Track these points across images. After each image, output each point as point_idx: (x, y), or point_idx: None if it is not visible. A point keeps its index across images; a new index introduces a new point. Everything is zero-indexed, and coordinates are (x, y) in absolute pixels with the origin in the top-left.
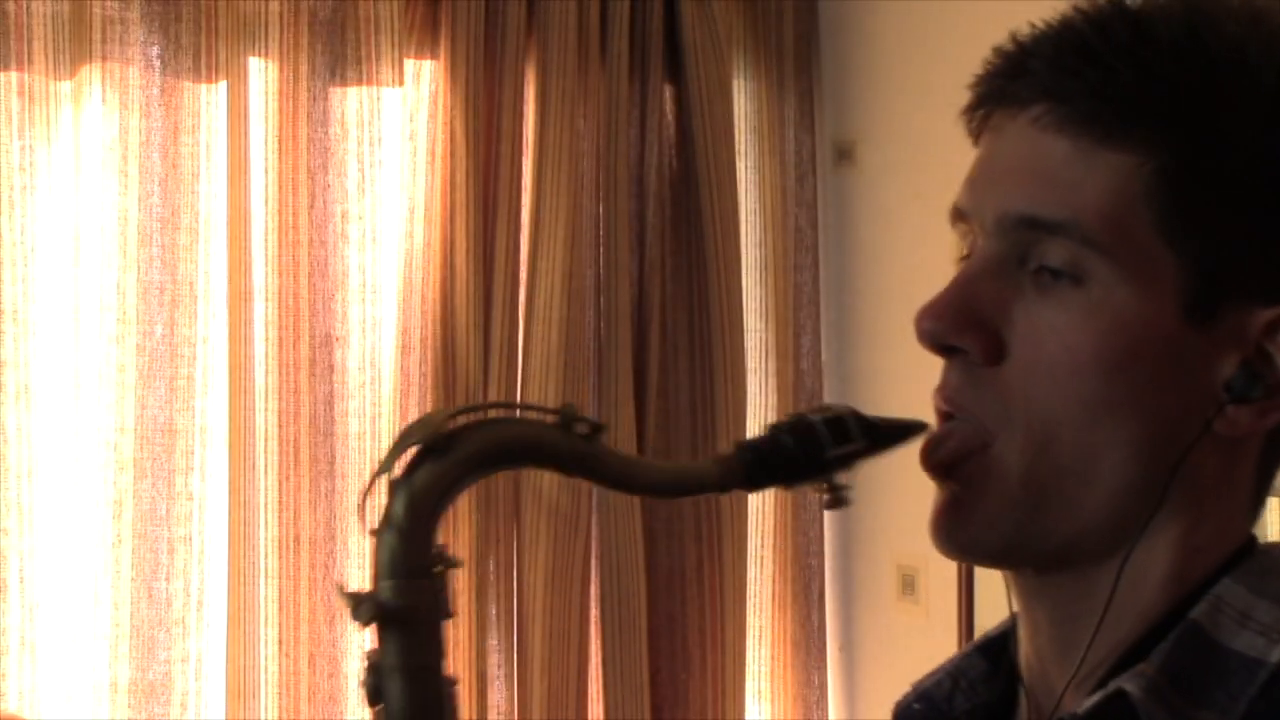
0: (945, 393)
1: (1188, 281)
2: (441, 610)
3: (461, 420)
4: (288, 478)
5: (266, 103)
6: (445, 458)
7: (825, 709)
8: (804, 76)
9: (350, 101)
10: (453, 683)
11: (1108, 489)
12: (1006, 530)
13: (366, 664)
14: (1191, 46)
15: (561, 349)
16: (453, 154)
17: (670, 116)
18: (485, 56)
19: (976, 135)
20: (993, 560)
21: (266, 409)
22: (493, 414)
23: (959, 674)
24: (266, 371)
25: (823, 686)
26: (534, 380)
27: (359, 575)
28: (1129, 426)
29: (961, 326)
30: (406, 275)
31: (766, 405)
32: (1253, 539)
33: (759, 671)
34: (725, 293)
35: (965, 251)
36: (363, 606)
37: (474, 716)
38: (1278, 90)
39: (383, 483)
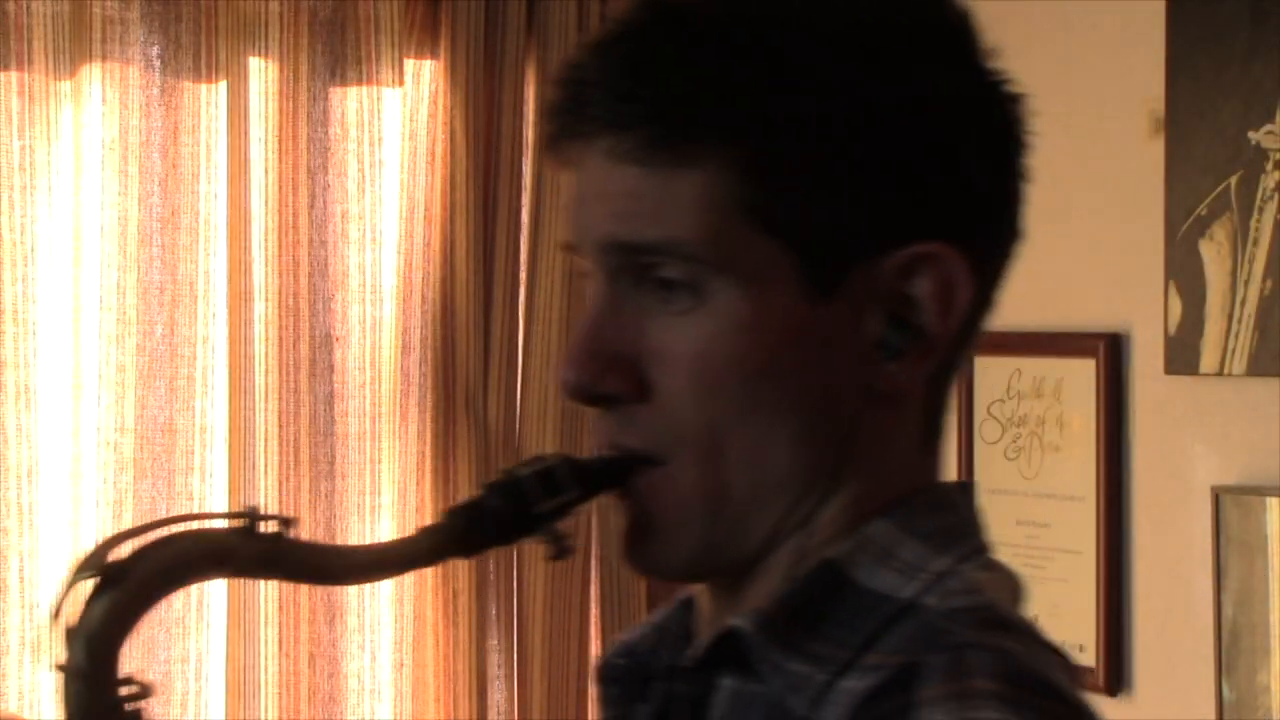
0: (607, 439)
1: (802, 264)
2: None
3: (142, 539)
4: (288, 478)
5: (266, 103)
6: (119, 589)
7: None
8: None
9: (350, 101)
10: None
11: (778, 483)
12: (691, 546)
13: None
14: (735, 30)
15: (561, 349)
16: (453, 154)
17: None
18: (485, 56)
19: (563, 170)
20: (684, 576)
21: (266, 409)
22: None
23: (664, 627)
24: (266, 371)
25: None
26: (534, 380)
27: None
28: (790, 420)
29: (603, 372)
30: (406, 275)
31: None
32: (932, 483)
33: None
34: None
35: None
36: None
37: (474, 716)
38: (829, 41)
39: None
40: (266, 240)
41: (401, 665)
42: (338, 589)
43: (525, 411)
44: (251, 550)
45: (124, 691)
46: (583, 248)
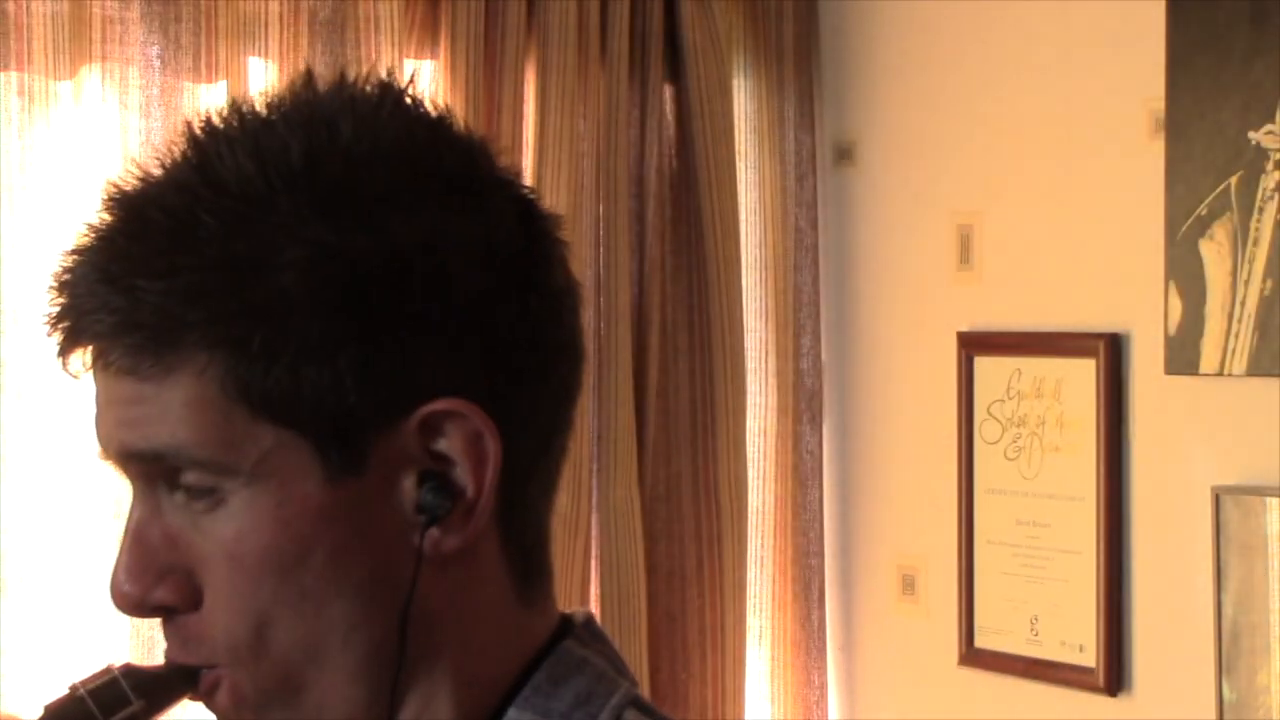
0: (169, 653)
1: (315, 446)
2: None
3: None
4: None
5: None
6: None
7: (825, 709)
8: (804, 76)
9: None
10: None
11: (350, 669)
12: None
13: None
14: (196, 219)
15: None
16: None
17: (670, 116)
18: (485, 56)
19: (79, 375)
20: None
21: None
22: None
23: None
24: None
25: (823, 686)
26: None
27: None
28: (339, 603)
29: (153, 583)
30: None
31: (766, 405)
32: (559, 628)
33: (759, 671)
34: (725, 293)
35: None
36: None
37: None
38: (295, 208)
39: None
40: None
41: None
42: None
43: None
44: None
45: None
46: (108, 456)
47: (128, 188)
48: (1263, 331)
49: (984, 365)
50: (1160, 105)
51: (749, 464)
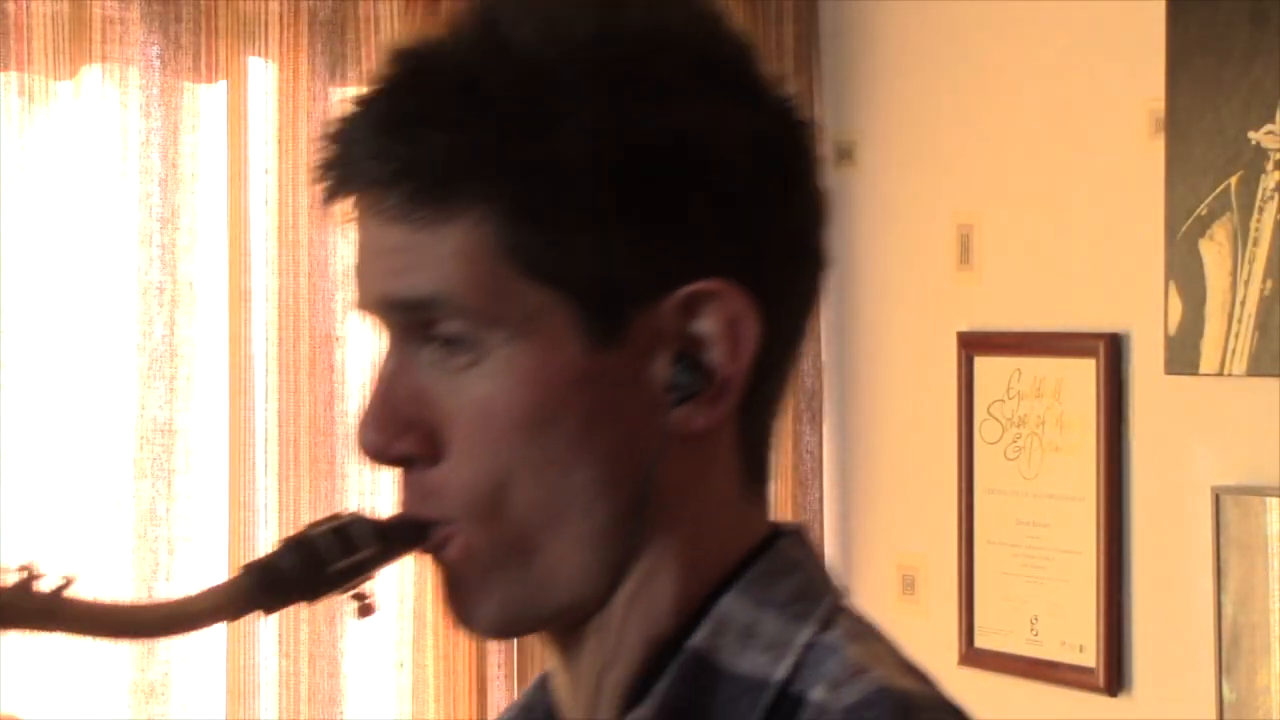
0: (404, 505)
1: (580, 311)
2: None
3: None
4: (288, 478)
5: (266, 103)
6: None
7: None
8: (804, 76)
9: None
10: None
11: (583, 536)
12: (498, 602)
13: None
14: (486, 77)
15: None
16: None
17: None
18: None
19: (345, 225)
20: (498, 631)
21: (266, 409)
22: None
23: (531, 707)
24: (266, 371)
25: None
26: None
27: None
28: (582, 470)
29: (398, 434)
30: None
31: None
32: (772, 532)
33: None
34: None
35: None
36: None
37: (474, 716)
38: (583, 80)
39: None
40: (266, 240)
41: (401, 665)
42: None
43: None
44: (31, 606)
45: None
46: (368, 307)
47: (412, 45)
48: (1263, 331)
49: (984, 365)
50: (1160, 105)
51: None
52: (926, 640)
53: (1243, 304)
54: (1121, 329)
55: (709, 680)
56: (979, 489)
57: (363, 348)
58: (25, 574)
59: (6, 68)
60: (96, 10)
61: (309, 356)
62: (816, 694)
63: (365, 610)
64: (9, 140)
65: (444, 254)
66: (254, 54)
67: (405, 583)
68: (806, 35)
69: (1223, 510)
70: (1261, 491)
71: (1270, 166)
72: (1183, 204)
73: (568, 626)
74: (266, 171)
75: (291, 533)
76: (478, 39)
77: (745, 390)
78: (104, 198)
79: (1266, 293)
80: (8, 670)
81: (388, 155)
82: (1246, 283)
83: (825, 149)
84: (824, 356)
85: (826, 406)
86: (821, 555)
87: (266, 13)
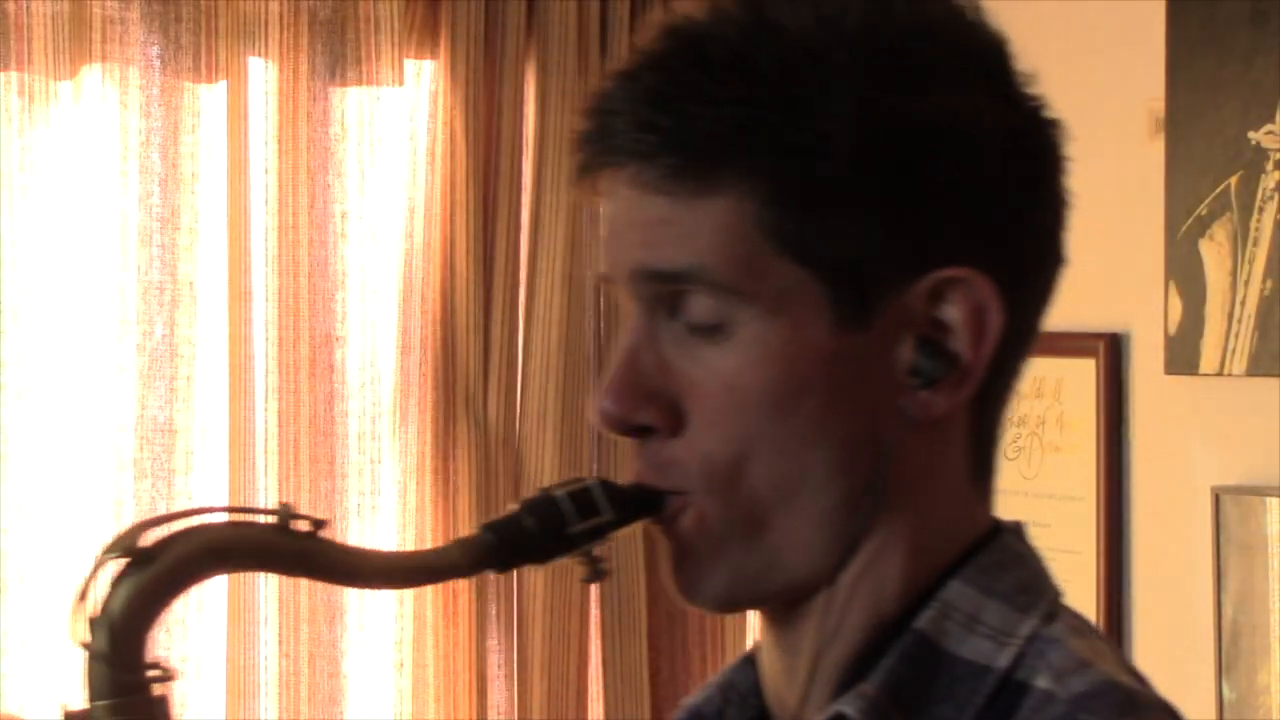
0: (641, 474)
1: (831, 291)
2: None
3: (173, 526)
4: (288, 478)
5: (266, 103)
6: (147, 572)
7: None
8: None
9: (350, 101)
10: None
11: (816, 514)
12: (727, 575)
13: None
14: (754, 57)
15: (561, 349)
16: (453, 154)
17: None
18: (485, 56)
19: (593, 200)
20: (723, 605)
21: (266, 409)
22: (229, 517)
23: (729, 687)
24: (266, 371)
25: None
26: (534, 380)
27: None
28: (821, 449)
29: (639, 405)
30: (406, 275)
31: None
32: (995, 525)
33: None
34: None
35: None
36: None
37: (474, 716)
38: (850, 66)
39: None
40: (266, 240)
41: (401, 665)
42: (339, 589)
43: (525, 411)
44: (285, 547)
45: (148, 674)
46: (616, 278)
47: (678, 22)
48: (1263, 331)
49: None
50: (1160, 105)
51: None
52: None
53: (1243, 304)
54: (1121, 329)
55: (933, 661)
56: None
57: (362, 348)
58: (282, 515)
59: (6, 68)
60: (96, 10)
61: (309, 356)
62: (1042, 682)
63: (597, 574)
64: (9, 140)
65: (703, 229)
66: (254, 54)
67: None
68: None
69: (1223, 510)
70: (1261, 491)
71: (1270, 166)
72: (1183, 204)
73: (789, 603)
74: (266, 171)
75: (528, 494)
76: (746, 20)
77: (983, 380)
78: (104, 198)
79: (1266, 293)
80: (8, 670)
81: (653, 127)
82: (1246, 283)
83: None
84: None
85: None
86: (1039, 553)
87: (266, 13)
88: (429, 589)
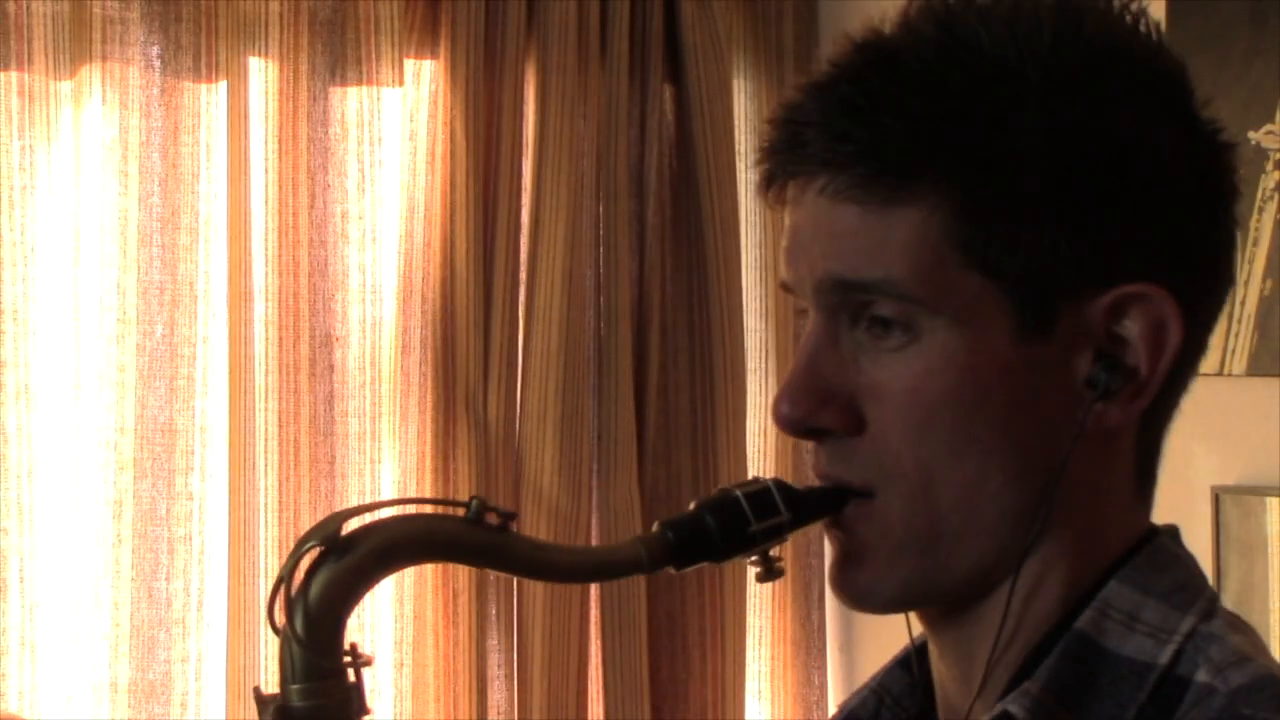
0: (820, 471)
1: (1014, 303)
2: (355, 710)
3: (367, 517)
4: (288, 478)
5: (266, 103)
6: (345, 560)
7: (825, 709)
8: (804, 76)
9: (350, 101)
10: None
11: (990, 519)
12: (900, 578)
13: None
14: (949, 73)
15: (561, 349)
16: (453, 154)
17: (670, 116)
18: (485, 56)
19: (779, 209)
20: (891, 607)
21: (266, 409)
22: (401, 509)
23: (883, 690)
24: (266, 371)
25: (823, 686)
26: (534, 380)
27: None
28: (998, 455)
29: (818, 407)
30: (406, 275)
31: (766, 405)
32: (1151, 530)
33: (759, 671)
34: (725, 293)
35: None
36: (267, 711)
37: (474, 716)
38: (1043, 84)
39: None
40: (266, 240)
41: (401, 665)
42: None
43: (525, 411)
44: (478, 540)
45: (343, 660)
46: (801, 287)
47: (871, 37)
48: (1263, 331)
49: None
50: None
51: (749, 464)
52: None
53: (1243, 304)
54: None
55: (1094, 660)
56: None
57: (362, 348)
58: (475, 509)
59: (6, 68)
60: (96, 10)
61: (309, 356)
62: (1202, 676)
63: (771, 574)
64: (9, 140)
65: (894, 240)
66: (254, 54)
67: (404, 583)
68: (806, 35)
69: (1223, 510)
70: (1261, 491)
71: (1270, 166)
72: None
73: (956, 606)
74: (266, 171)
75: (705, 494)
76: (940, 36)
77: (1156, 394)
78: (104, 198)
79: (1266, 293)
80: (9, 670)
81: (848, 137)
82: (1246, 283)
83: None
84: None
85: None
86: (1196, 559)
87: (266, 13)
88: (430, 589)
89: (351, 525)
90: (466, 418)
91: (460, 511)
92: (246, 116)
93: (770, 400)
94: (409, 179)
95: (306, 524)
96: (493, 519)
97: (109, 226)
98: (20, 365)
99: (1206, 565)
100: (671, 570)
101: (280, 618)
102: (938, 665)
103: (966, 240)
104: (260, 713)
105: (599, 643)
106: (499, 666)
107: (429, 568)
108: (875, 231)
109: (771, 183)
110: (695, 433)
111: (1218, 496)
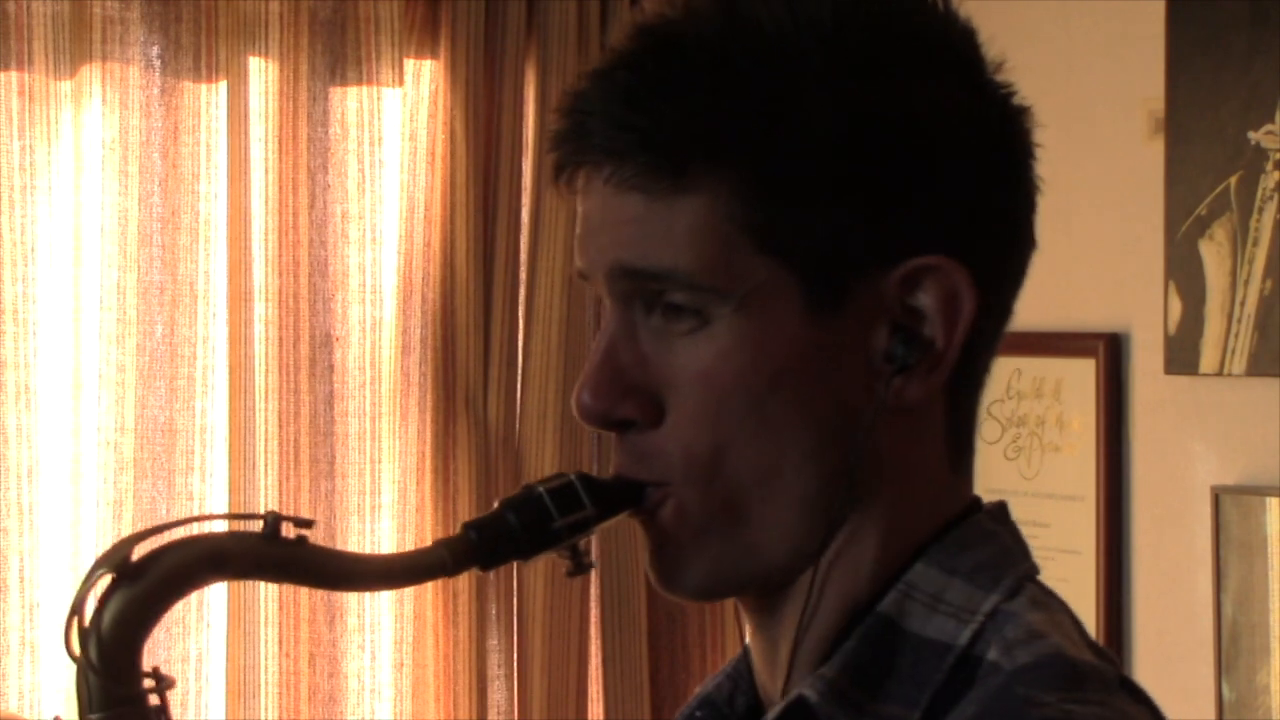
0: (621, 467)
1: (804, 282)
2: None
3: (163, 538)
4: (288, 478)
5: (266, 103)
6: (136, 586)
7: None
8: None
9: (350, 101)
10: None
11: (791, 500)
12: (706, 563)
13: None
14: (727, 53)
15: (561, 349)
16: (453, 154)
17: None
18: (485, 56)
19: (571, 197)
20: (703, 594)
21: (266, 409)
22: (194, 528)
23: (738, 675)
24: (266, 371)
25: None
26: (534, 380)
27: None
28: (797, 436)
29: (618, 398)
30: (406, 275)
31: None
32: (970, 507)
33: None
34: None
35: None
36: None
37: (474, 716)
38: (824, 61)
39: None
40: (266, 240)
41: (401, 665)
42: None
43: (525, 411)
44: (272, 555)
45: (145, 685)
46: (593, 274)
47: (652, 21)
48: (1263, 331)
49: None
50: (1160, 105)
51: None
52: None
53: (1242, 304)
54: (1121, 329)
55: (894, 643)
56: (979, 489)
57: (362, 348)
58: (270, 522)
59: (6, 68)
60: (96, 10)
61: (309, 356)
62: (992, 654)
63: (580, 568)
64: (9, 140)
65: (679, 227)
66: (254, 54)
67: None
68: None
69: (1223, 510)
70: (1261, 491)
71: (1270, 166)
72: (1183, 204)
73: (768, 591)
74: (266, 171)
75: (509, 493)
76: (719, 18)
77: (957, 365)
78: (104, 198)
79: (1266, 293)
80: (9, 670)
81: (629, 125)
82: (1246, 283)
83: None
84: None
85: None
86: (1017, 529)
87: (266, 13)
88: (430, 588)
89: (143, 550)
90: (466, 418)
91: (258, 526)
92: (246, 116)
93: None
94: (409, 179)
95: None
96: (290, 530)
97: (109, 226)
98: (20, 365)
99: (1206, 565)
100: (479, 570)
101: (76, 648)
102: (753, 649)
103: (752, 224)
104: None
105: (599, 643)
106: (499, 666)
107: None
108: (661, 220)
109: (561, 172)
110: None
111: (1218, 496)
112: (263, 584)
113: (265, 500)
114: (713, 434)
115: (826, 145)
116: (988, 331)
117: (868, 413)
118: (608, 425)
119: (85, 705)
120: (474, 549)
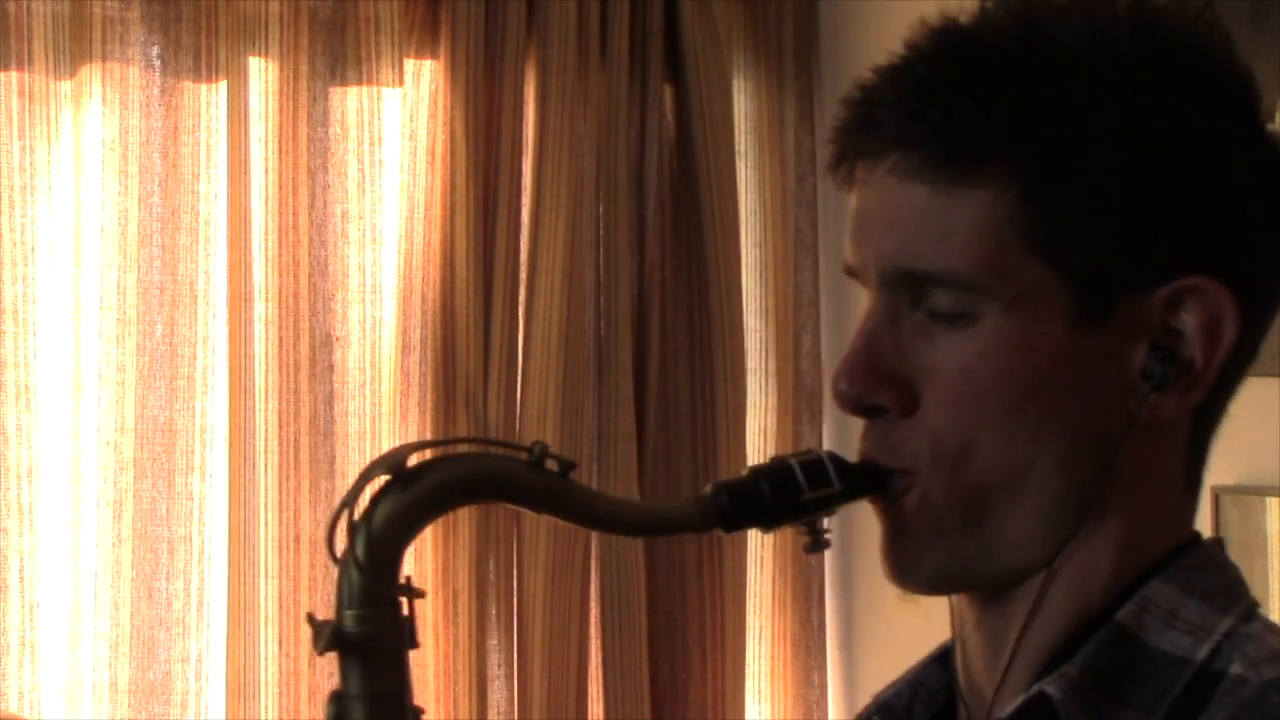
0: (869, 452)
1: (1073, 290)
2: (405, 640)
3: (429, 453)
4: (288, 478)
5: (266, 103)
6: (409, 491)
7: (825, 709)
8: (804, 76)
9: (350, 101)
10: (419, 713)
11: (1037, 503)
12: (942, 556)
13: (330, 695)
14: (1026, 62)
15: (561, 349)
16: (453, 154)
17: (670, 116)
18: (485, 56)
19: (846, 189)
20: (934, 585)
21: (266, 409)
22: (463, 448)
23: (918, 684)
24: (266, 371)
25: (823, 686)
26: (534, 380)
27: None
28: (1049, 440)
29: (875, 385)
30: (406, 275)
31: (766, 405)
32: (1196, 535)
33: (759, 671)
34: (725, 293)
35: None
36: (321, 634)
37: (474, 716)
38: (1117, 79)
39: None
40: (266, 240)
41: None
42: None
43: (525, 411)
44: (539, 483)
45: (399, 590)
46: (865, 271)
47: (948, 25)
48: None
49: None
50: None
51: (749, 464)
52: (926, 644)
53: None
54: None
55: (1131, 652)
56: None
57: (362, 348)
58: (536, 453)
59: (6, 68)
60: (96, 10)
61: (309, 356)
62: (1235, 669)
63: (818, 544)
64: (9, 140)
65: (958, 224)
66: (254, 54)
67: None
68: (806, 35)
69: (1223, 510)
70: (1261, 491)
71: None
72: None
73: (998, 589)
74: (266, 171)
75: (758, 462)
76: (1020, 28)
77: (1210, 389)
78: (104, 198)
79: None
80: (9, 670)
81: (921, 117)
82: None
83: (824, 149)
84: (824, 356)
85: (826, 406)
86: (1239, 569)
87: (266, 13)
88: (430, 589)
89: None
90: (466, 418)
91: (523, 455)
92: (246, 116)
93: (771, 400)
94: (409, 179)
95: (306, 524)
96: (552, 466)
97: (109, 226)
98: (20, 365)
99: None
100: (720, 532)
101: (340, 544)
102: (969, 645)
103: (1030, 227)
104: (314, 637)
105: (599, 643)
106: (499, 666)
107: (429, 566)
108: (941, 214)
109: (841, 161)
110: (695, 433)
111: (1218, 496)
112: (263, 582)
113: (265, 500)
114: (966, 428)
115: (1115, 161)
116: (1241, 359)
117: (1120, 427)
118: (860, 411)
119: (344, 600)
120: (723, 510)
